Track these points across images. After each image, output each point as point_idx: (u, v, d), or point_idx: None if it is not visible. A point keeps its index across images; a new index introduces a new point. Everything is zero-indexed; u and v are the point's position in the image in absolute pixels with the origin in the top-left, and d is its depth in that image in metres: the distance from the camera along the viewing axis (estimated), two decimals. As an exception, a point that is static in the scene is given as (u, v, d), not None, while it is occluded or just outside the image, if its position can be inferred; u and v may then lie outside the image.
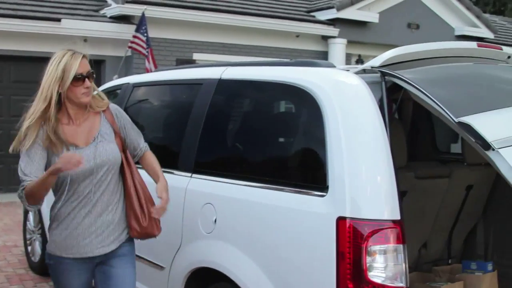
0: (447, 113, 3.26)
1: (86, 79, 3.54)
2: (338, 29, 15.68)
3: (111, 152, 3.65)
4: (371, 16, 16.12)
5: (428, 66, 3.79)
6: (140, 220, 3.74)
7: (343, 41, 15.85)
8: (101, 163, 3.60)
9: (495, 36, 18.81)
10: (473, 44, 4.18)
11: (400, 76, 3.46)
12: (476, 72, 4.03)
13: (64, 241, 3.63)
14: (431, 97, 3.34)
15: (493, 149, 3.09)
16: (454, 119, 3.22)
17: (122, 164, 3.74)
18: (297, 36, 15.38)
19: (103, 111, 3.75)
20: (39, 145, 3.49)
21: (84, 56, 3.55)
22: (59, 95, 3.52)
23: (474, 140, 3.17)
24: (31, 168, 3.46)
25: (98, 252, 3.67)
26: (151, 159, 3.97)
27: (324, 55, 15.76)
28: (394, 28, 16.50)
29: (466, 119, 3.19)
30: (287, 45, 15.26)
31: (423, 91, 3.37)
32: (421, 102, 3.48)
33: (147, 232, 3.79)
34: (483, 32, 18.43)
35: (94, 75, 3.62)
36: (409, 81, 3.43)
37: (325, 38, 15.90)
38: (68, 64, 3.49)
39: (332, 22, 15.69)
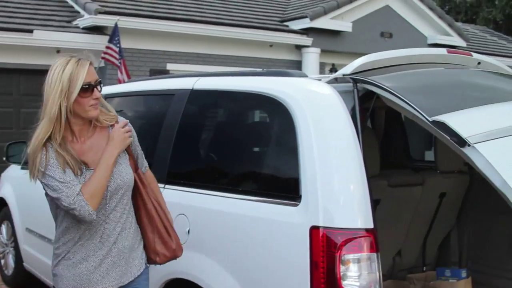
0: (420, 113, 3.27)
1: (95, 89, 3.14)
2: (311, 39, 15.72)
3: (125, 174, 3.26)
4: (344, 25, 16.18)
5: (399, 72, 3.81)
6: (169, 243, 3.45)
7: (317, 50, 15.89)
8: (116, 187, 3.22)
9: (467, 44, 18.97)
10: (443, 51, 4.21)
11: (371, 81, 3.47)
12: (448, 75, 4.06)
13: (79, 276, 3.21)
14: (404, 99, 3.35)
15: (469, 145, 3.08)
16: (428, 118, 3.22)
17: (135, 185, 3.35)
18: (271, 46, 15.40)
19: (111, 125, 3.32)
20: (57, 167, 3.09)
21: (90, 63, 3.14)
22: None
23: (449, 138, 3.16)
24: (68, 176, 3.08)
25: (117, 284, 3.28)
26: (150, 179, 3.59)
27: (298, 65, 15.80)
28: (368, 37, 16.58)
29: (440, 118, 3.20)
30: (261, 55, 15.26)
31: (396, 93, 3.38)
32: (393, 106, 3.49)
33: (175, 255, 3.51)
34: (456, 40, 18.57)
35: (102, 85, 3.25)
36: (381, 85, 3.44)
37: (298, 47, 15.92)
38: (74, 73, 3.07)
39: (306, 31, 15.73)
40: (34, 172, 3.11)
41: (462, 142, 3.12)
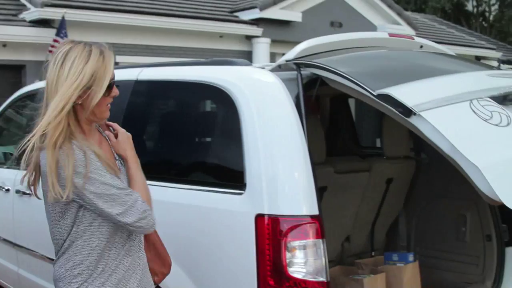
0: (365, 88, 3.26)
1: (115, 87, 2.76)
2: (261, 29, 15.73)
3: None
4: (294, 15, 16.23)
5: (342, 54, 3.81)
6: (166, 259, 3.19)
7: (267, 40, 15.91)
8: None
9: (416, 33, 19.17)
10: (384, 34, 4.24)
11: (314, 63, 3.48)
12: (391, 55, 4.08)
13: None
14: (348, 76, 3.35)
15: (415, 114, 3.07)
16: (373, 92, 3.23)
17: None
18: (221, 37, 15.37)
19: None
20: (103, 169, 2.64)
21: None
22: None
23: (395, 110, 3.15)
24: (119, 180, 2.70)
25: None
26: None
27: (249, 55, 15.79)
28: (318, 27, 16.63)
29: (385, 90, 3.20)
30: (211, 46, 15.23)
31: (339, 72, 3.38)
32: (338, 87, 3.47)
33: (170, 270, 3.22)
34: (405, 29, 18.76)
35: None
36: (324, 66, 3.44)
37: (249, 38, 15.93)
38: (99, 69, 2.61)
39: (256, 22, 15.73)
40: (67, 181, 2.51)
41: (408, 112, 3.10)
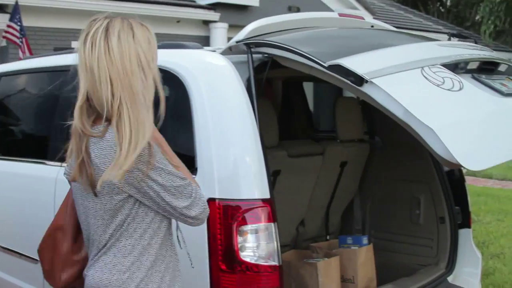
0: (316, 61, 3.22)
1: None
2: (219, 14, 15.63)
3: None
4: (252, 0, 16.15)
5: (291, 33, 3.78)
6: None
7: (225, 25, 15.82)
8: None
9: (374, 18, 19.25)
10: (334, 14, 4.22)
11: (264, 41, 3.45)
12: (341, 33, 4.06)
13: None
14: (298, 50, 3.31)
15: (367, 81, 3.01)
16: (324, 63, 3.18)
17: None
18: (178, 22, 15.24)
19: None
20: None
21: None
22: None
23: (346, 79, 3.09)
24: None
25: None
26: None
27: (206, 40, 15.69)
28: (275, 11, 16.36)
29: (335, 61, 3.15)
30: (168, 31, 15.08)
31: (289, 47, 3.36)
32: (289, 64, 3.44)
33: None
34: (363, 13, 18.79)
35: None
36: (274, 43, 3.41)
37: (206, 22, 15.83)
38: (151, 41, 2.62)
39: (213, 6, 15.62)
40: (146, 166, 2.33)
41: (359, 80, 3.04)
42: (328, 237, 5.15)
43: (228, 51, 3.63)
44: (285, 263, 3.37)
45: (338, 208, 5.14)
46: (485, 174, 13.76)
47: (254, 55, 3.45)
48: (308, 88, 6.40)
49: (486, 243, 8.13)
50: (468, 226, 4.68)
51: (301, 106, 5.64)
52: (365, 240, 4.74)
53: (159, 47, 3.89)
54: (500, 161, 2.94)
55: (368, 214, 5.23)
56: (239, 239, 3.16)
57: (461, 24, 32.20)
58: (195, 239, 3.24)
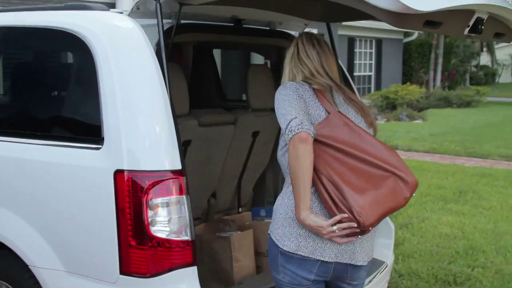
0: None
1: None
2: (125, -21, 15.22)
3: None
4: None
5: None
6: None
7: (131, -9, 15.45)
8: None
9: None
10: None
11: None
12: None
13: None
14: None
15: None
16: None
17: None
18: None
19: None
20: None
21: None
22: None
23: None
24: None
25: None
26: None
27: (112, 7, 15.26)
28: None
29: None
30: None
31: None
32: None
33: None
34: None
35: None
36: None
37: (112, -12, 15.40)
38: None
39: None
40: None
41: None
42: (240, 210, 5.03)
43: (136, 11, 3.42)
44: (197, 237, 3.25)
45: (251, 180, 5.02)
46: (390, 146, 14.00)
47: (164, 20, 3.25)
48: (216, 56, 6.23)
49: (395, 214, 8.24)
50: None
51: (211, 73, 5.47)
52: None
53: (62, 8, 3.68)
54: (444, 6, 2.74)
55: (281, 185, 5.13)
56: (150, 213, 3.01)
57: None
58: (103, 213, 3.09)
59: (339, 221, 2.83)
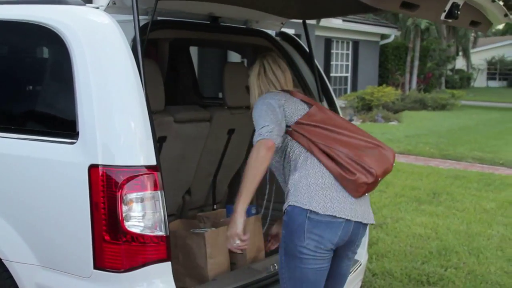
0: None
1: None
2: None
3: None
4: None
5: None
6: None
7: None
8: None
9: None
10: None
11: None
12: None
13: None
14: None
15: None
16: None
17: None
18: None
19: None
20: None
21: None
22: None
23: None
24: None
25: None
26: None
27: (89, 2, 15.14)
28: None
29: None
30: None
31: None
32: None
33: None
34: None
35: None
36: None
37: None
38: None
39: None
40: None
41: None
42: (215, 207, 5.04)
43: (113, 6, 3.42)
44: (171, 233, 3.25)
45: (226, 177, 5.03)
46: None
47: (140, 17, 3.26)
48: (193, 54, 6.23)
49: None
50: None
51: (188, 71, 5.47)
52: (253, 209, 4.67)
53: (38, 2, 3.66)
54: None
55: (256, 183, 5.14)
56: (124, 208, 3.01)
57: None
58: (78, 208, 3.08)
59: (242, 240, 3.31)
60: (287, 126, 3.47)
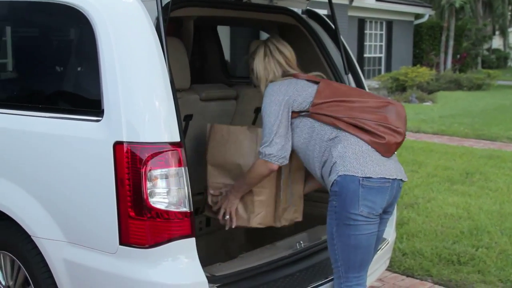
0: None
1: None
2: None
3: None
4: None
5: None
6: None
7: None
8: None
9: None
10: None
11: None
12: None
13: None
14: None
15: None
16: None
17: None
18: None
19: None
20: None
21: None
22: None
23: None
24: None
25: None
26: None
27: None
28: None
29: None
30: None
31: None
32: None
33: None
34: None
35: None
36: None
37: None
38: None
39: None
40: None
41: None
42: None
43: None
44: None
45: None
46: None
47: None
48: (225, 34, 6.23)
49: (401, 193, 8.24)
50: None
51: (214, 49, 5.48)
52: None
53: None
54: None
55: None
56: (148, 184, 3.04)
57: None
58: (103, 184, 3.12)
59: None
60: (304, 111, 3.55)
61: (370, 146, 3.42)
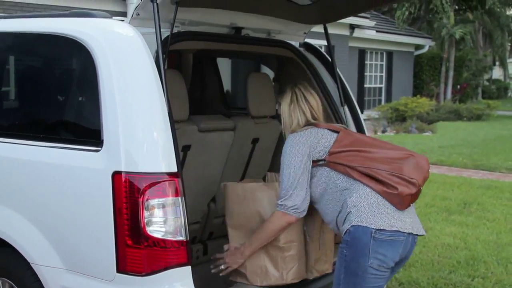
0: None
1: None
2: (136, -10, 15.35)
3: None
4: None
5: None
6: None
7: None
8: None
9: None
10: None
11: None
12: None
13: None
14: None
15: None
16: None
17: None
18: (95, -3, 14.90)
19: None
20: None
21: None
22: None
23: None
24: None
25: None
26: None
27: (123, 16, 15.39)
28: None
29: None
30: (84, 5, 14.72)
31: None
32: None
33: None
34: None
35: None
36: None
37: (123, -2, 15.54)
38: None
39: (129, -18, 15.34)
40: None
41: None
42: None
43: (137, 18, 3.54)
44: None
45: (251, 186, 5.09)
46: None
47: (162, 30, 3.36)
48: (226, 65, 6.31)
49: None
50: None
51: (214, 81, 5.57)
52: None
53: (67, 15, 3.80)
54: None
55: (280, 190, 5.19)
56: (146, 213, 3.11)
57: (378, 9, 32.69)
58: (101, 213, 3.19)
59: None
60: (322, 160, 3.56)
61: (383, 197, 3.39)
